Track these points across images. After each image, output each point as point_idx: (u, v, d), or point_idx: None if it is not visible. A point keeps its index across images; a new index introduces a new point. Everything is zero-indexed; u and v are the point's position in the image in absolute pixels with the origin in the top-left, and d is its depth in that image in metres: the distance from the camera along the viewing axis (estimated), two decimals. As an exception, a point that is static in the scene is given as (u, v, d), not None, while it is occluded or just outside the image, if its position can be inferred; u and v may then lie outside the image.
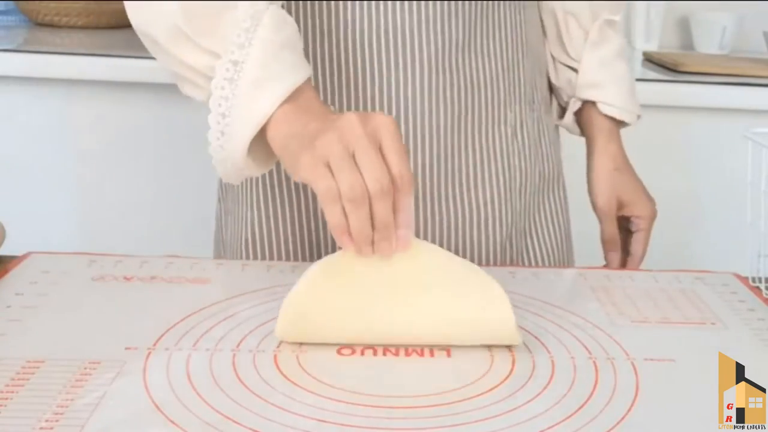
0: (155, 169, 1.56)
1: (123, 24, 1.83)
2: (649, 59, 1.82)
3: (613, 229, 0.94)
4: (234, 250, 0.90)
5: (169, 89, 1.48)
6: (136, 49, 1.71)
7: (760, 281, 0.79)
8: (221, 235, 0.95)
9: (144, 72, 1.48)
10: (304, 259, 0.86)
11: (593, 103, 0.95)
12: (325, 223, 0.85)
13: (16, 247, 0.78)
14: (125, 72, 1.48)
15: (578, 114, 0.97)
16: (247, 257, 0.87)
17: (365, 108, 0.82)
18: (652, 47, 1.95)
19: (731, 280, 0.79)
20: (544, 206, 0.94)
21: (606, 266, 0.94)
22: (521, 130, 0.89)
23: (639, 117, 0.97)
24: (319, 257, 0.80)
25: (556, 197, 0.96)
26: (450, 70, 0.83)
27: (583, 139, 0.99)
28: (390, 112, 0.83)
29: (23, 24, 1.85)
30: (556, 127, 1.00)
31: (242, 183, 0.89)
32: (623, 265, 0.95)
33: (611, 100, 0.95)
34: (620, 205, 0.95)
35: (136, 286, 0.73)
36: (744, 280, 0.79)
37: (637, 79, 1.63)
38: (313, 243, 0.86)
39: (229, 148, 0.69)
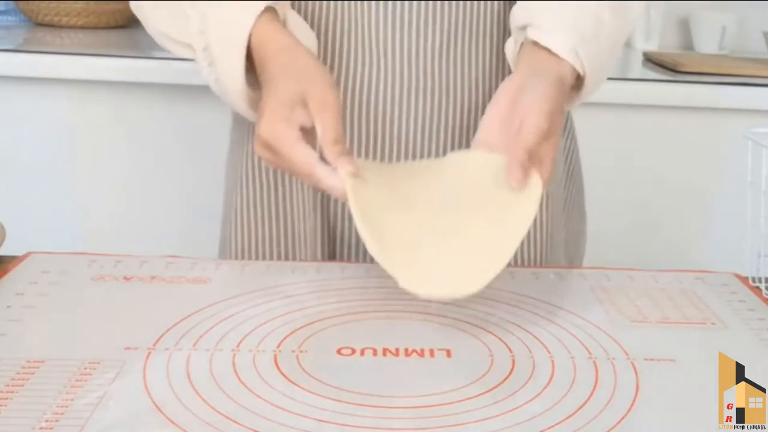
0: (156, 168, 1.56)
1: (123, 24, 1.84)
2: (649, 59, 1.82)
3: None
4: (224, 233, 0.94)
5: (169, 89, 1.49)
6: (137, 49, 1.72)
7: (760, 281, 0.79)
8: (224, 213, 0.98)
9: (144, 72, 1.48)
10: (278, 244, 0.89)
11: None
12: (301, 209, 0.88)
13: (16, 247, 0.78)
14: (125, 72, 1.48)
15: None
16: (231, 242, 0.91)
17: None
18: (652, 47, 1.95)
19: (731, 280, 0.79)
20: None
21: None
22: None
23: (583, 63, 0.75)
24: (294, 244, 0.88)
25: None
26: (425, 75, 0.84)
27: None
28: (360, 114, 0.84)
29: (23, 24, 1.85)
30: None
31: (236, 163, 0.93)
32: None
33: (542, 23, 0.76)
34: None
35: (136, 286, 0.73)
36: (744, 280, 0.79)
37: (637, 79, 1.65)
38: (288, 231, 0.89)
39: (224, 92, 0.78)
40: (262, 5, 0.75)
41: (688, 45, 2.01)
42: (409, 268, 0.65)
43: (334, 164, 0.68)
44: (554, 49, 0.75)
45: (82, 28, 1.79)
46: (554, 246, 0.92)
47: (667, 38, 2.02)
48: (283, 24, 0.78)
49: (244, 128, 0.92)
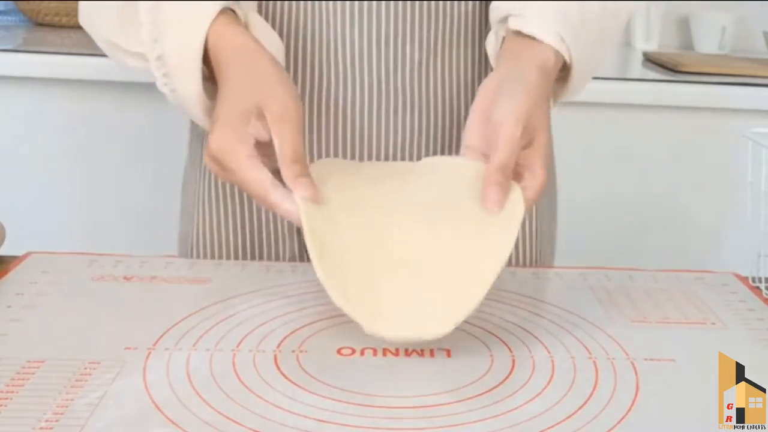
0: (155, 168, 1.56)
1: (123, 24, 1.84)
2: (649, 59, 1.82)
3: None
4: (184, 247, 0.90)
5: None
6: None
7: (760, 281, 0.79)
8: (181, 232, 0.94)
9: (144, 72, 1.48)
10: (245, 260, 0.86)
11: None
12: (269, 226, 0.85)
13: (16, 247, 0.78)
14: (125, 72, 1.48)
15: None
16: (194, 256, 0.87)
17: (311, 126, 0.81)
18: (652, 47, 1.95)
19: (731, 280, 0.79)
20: None
21: None
22: None
23: (569, 47, 0.72)
24: (261, 260, 0.84)
25: None
26: (404, 91, 0.82)
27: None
28: (337, 132, 0.82)
29: (23, 24, 1.85)
30: None
31: (198, 181, 0.89)
32: None
33: (525, 12, 0.72)
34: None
35: (136, 286, 0.73)
36: (744, 280, 0.79)
37: (637, 79, 1.65)
38: (255, 246, 0.86)
39: (182, 102, 0.73)
40: (219, 7, 0.70)
41: (688, 45, 2.01)
42: (371, 312, 0.60)
43: (291, 187, 0.63)
44: (538, 36, 0.71)
45: (82, 28, 1.79)
46: (542, 243, 0.91)
47: (667, 38, 2.02)
48: (245, 27, 0.72)
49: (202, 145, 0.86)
